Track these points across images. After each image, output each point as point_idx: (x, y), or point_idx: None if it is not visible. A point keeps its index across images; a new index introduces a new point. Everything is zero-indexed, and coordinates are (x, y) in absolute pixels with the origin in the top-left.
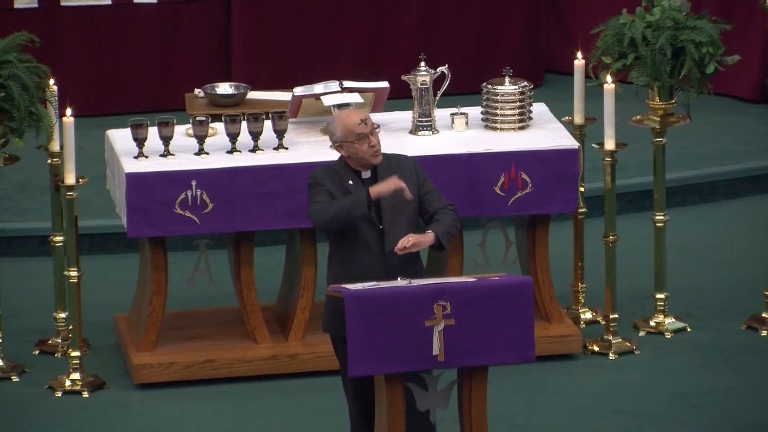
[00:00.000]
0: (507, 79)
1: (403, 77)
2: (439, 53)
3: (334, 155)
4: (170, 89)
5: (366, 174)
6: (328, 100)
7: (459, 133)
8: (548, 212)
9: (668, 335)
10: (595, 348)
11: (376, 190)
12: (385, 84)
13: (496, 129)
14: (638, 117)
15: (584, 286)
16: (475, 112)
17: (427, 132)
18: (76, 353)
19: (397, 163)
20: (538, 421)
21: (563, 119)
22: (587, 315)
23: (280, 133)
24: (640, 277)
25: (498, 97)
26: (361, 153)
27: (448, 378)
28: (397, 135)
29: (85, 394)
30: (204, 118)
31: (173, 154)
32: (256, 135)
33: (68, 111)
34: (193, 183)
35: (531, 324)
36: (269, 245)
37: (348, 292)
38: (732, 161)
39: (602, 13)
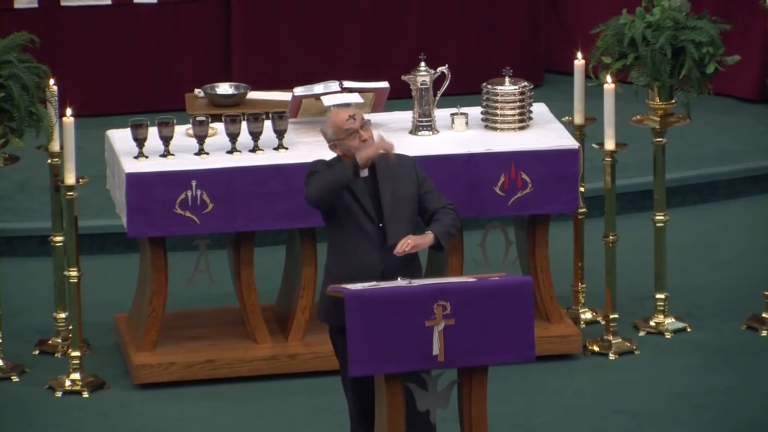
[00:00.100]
0: (507, 79)
1: (403, 77)
2: (439, 53)
3: (333, 156)
4: (170, 89)
5: (364, 173)
6: (328, 101)
7: (459, 133)
8: (548, 212)
9: (668, 335)
10: (595, 348)
11: (364, 155)
12: (385, 84)
13: (496, 129)
14: (638, 117)
15: (584, 286)
16: (475, 112)
17: (427, 132)
18: (76, 353)
19: (396, 163)
20: (538, 421)
21: (563, 119)
22: (587, 315)
23: (280, 134)
24: (640, 277)
25: (498, 97)
26: (353, 149)
27: (448, 378)
28: (397, 135)
29: (85, 394)
30: (204, 118)
31: (173, 154)
32: (256, 135)
33: (68, 111)
34: (193, 183)
35: (531, 324)
36: (269, 245)
37: (348, 292)
38: (732, 161)
39: (602, 13)
